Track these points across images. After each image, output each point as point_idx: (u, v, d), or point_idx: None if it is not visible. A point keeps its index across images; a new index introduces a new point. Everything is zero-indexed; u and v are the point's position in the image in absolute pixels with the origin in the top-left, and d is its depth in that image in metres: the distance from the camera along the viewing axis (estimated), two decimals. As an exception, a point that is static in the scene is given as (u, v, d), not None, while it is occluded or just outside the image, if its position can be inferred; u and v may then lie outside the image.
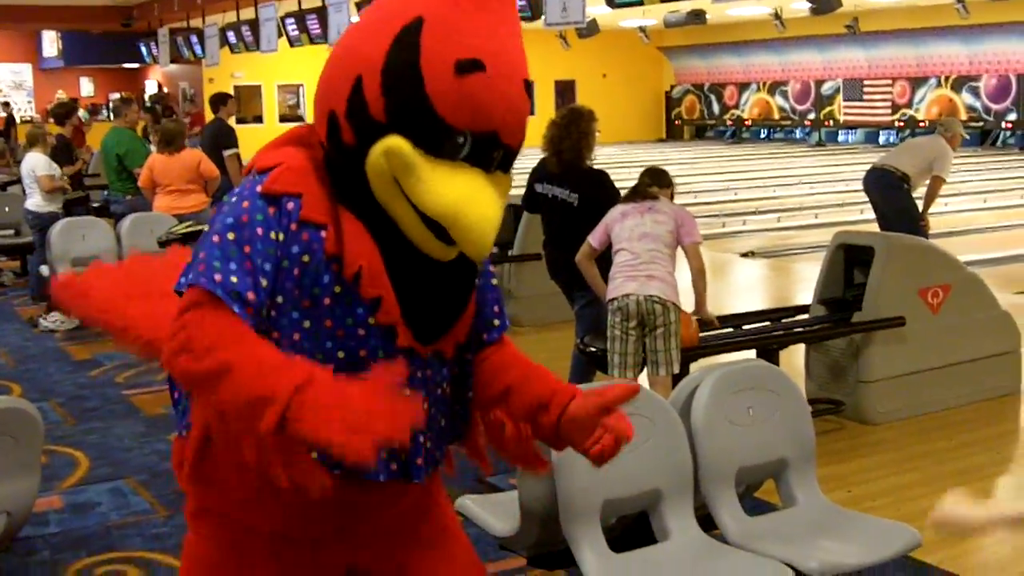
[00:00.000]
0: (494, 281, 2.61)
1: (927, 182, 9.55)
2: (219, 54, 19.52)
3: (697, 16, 22.26)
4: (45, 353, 8.81)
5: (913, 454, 6.01)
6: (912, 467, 5.81)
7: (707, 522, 3.86)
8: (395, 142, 2.18)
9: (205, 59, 20.27)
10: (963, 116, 28.39)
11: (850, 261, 6.72)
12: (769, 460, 4.01)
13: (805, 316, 6.86)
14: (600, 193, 6.32)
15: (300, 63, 28.28)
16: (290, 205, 2.22)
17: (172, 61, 22.47)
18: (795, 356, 6.86)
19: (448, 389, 2.46)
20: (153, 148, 10.42)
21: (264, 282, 2.20)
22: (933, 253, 6.81)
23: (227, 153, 11.19)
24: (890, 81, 30.53)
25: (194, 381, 2.16)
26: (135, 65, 29.18)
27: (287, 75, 31.26)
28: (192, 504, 2.56)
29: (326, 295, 2.24)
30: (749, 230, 15.44)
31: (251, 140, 28.72)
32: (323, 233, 2.23)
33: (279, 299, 2.23)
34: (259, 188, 2.24)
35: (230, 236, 2.19)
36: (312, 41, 16.28)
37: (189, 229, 8.32)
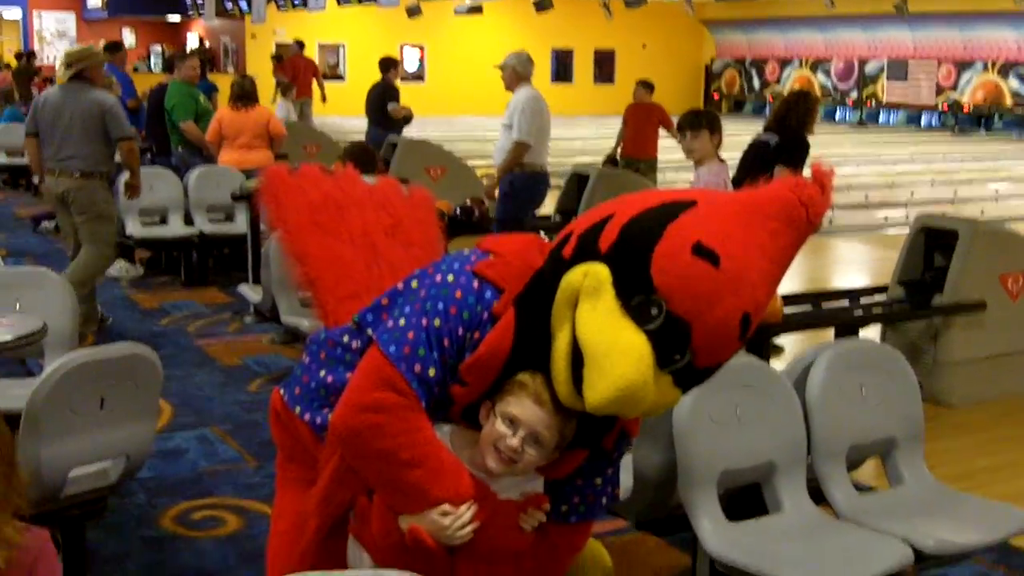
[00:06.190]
0: (596, 480, 2.67)
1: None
2: (266, 11, 19.49)
3: (749, -11, 22.08)
4: (113, 301, 8.85)
5: (993, 437, 6.04)
6: (992, 450, 5.84)
7: (814, 496, 3.90)
8: (599, 267, 2.26)
9: (252, 15, 20.26)
10: (1009, 102, 28.19)
11: (930, 244, 6.71)
12: (879, 439, 4.04)
13: (882, 297, 6.85)
14: (795, 143, 7.36)
15: (342, 23, 28.30)
16: (488, 294, 2.40)
17: (216, 15, 22.46)
18: (870, 336, 6.83)
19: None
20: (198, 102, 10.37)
21: (444, 377, 2.42)
22: (1015, 239, 6.78)
23: (391, 106, 13.24)
24: (936, 63, 30.32)
25: (358, 461, 2.48)
26: (177, 18, 29.20)
27: (329, 34, 31.25)
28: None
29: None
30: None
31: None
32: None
33: None
34: (472, 269, 2.43)
35: (436, 323, 2.39)
36: (361, 1, 16.15)
37: (262, 185, 8.37)
